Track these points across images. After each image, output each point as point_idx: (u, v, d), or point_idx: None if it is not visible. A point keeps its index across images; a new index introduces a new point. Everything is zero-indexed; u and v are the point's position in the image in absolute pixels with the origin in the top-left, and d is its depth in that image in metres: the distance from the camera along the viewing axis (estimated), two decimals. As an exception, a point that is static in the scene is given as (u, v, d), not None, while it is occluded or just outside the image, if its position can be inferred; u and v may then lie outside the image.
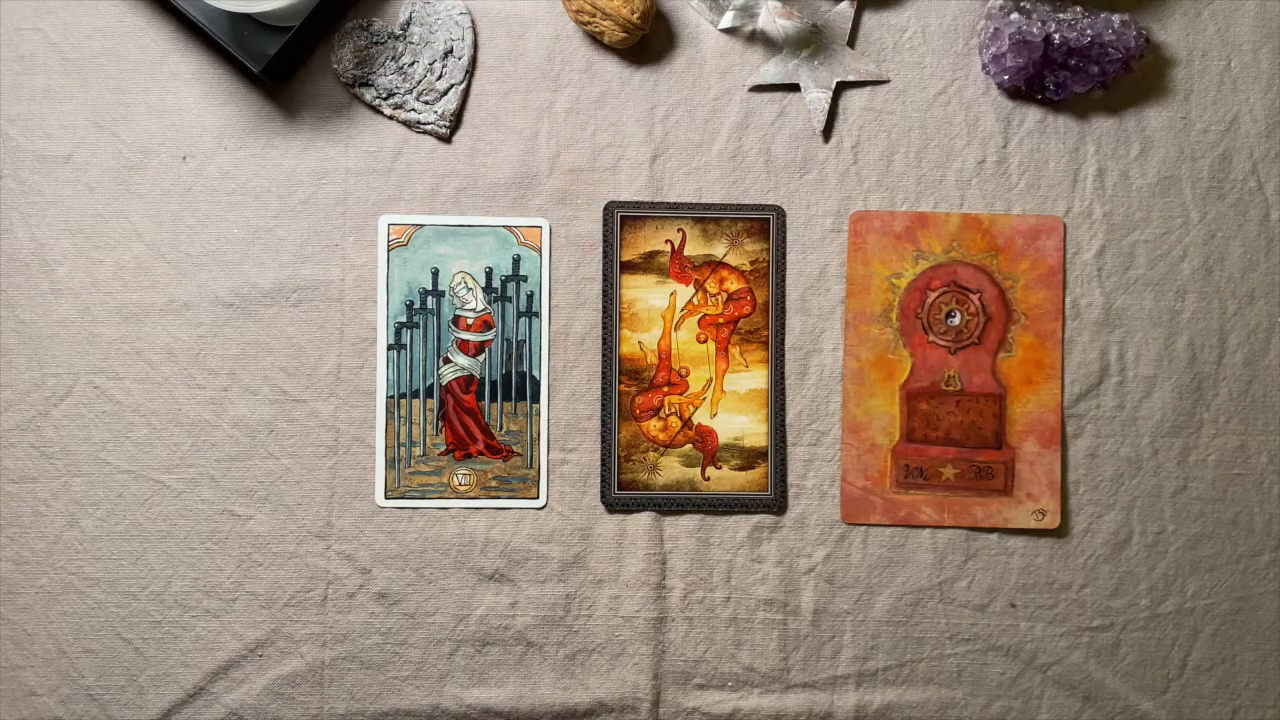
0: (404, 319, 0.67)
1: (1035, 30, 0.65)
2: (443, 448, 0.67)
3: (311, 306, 0.67)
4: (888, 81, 0.68)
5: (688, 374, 0.67)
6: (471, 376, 0.67)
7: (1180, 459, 0.67)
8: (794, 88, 0.68)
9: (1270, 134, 0.68)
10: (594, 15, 0.65)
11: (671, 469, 0.67)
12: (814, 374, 0.67)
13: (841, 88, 0.68)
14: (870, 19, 0.68)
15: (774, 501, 0.67)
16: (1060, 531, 0.67)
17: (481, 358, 0.67)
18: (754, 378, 0.67)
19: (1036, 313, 0.67)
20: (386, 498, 0.66)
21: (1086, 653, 0.67)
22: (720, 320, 0.67)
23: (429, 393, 0.67)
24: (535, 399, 0.67)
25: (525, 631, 0.66)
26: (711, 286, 0.67)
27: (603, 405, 0.67)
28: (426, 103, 0.66)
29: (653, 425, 0.67)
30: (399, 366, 0.67)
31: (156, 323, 0.67)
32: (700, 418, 0.67)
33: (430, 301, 0.67)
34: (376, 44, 0.66)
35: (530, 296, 0.67)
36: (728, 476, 0.67)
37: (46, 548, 0.66)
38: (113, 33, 0.67)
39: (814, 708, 0.66)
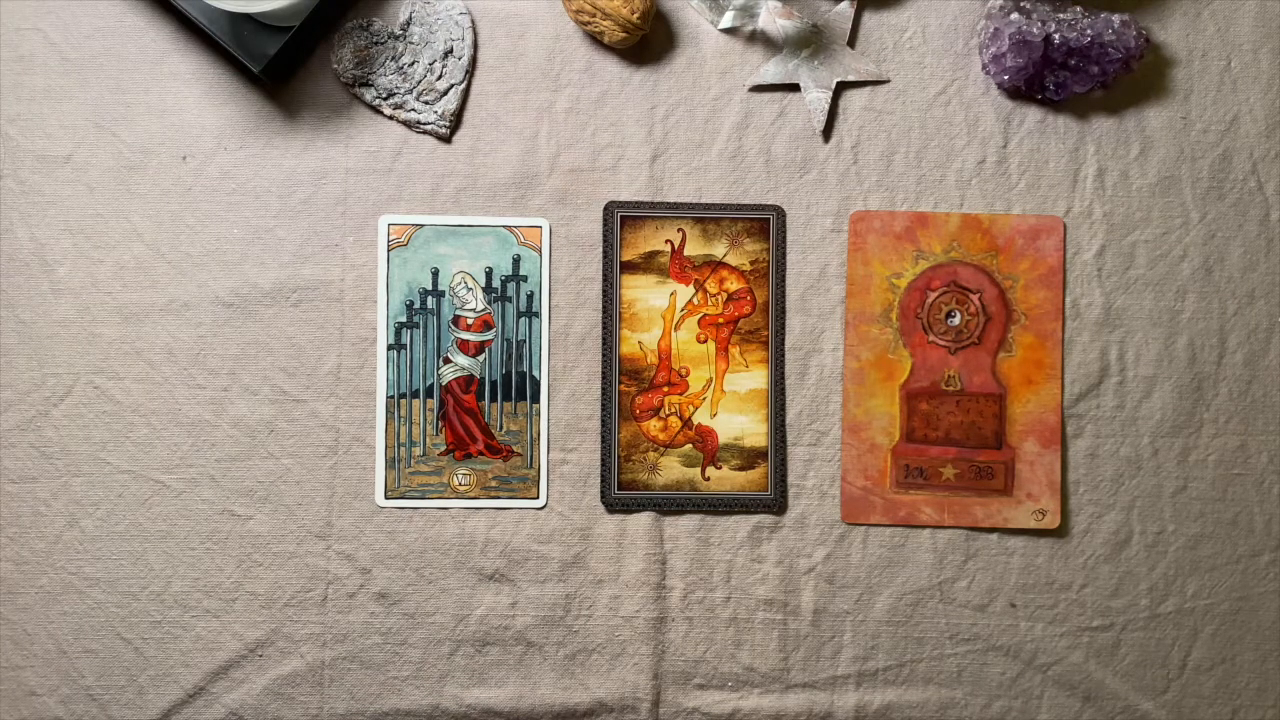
0: (404, 319, 0.67)
1: (1035, 30, 0.65)
2: (443, 448, 0.67)
3: (311, 306, 0.67)
4: (888, 81, 0.68)
5: (688, 374, 0.67)
6: (471, 376, 0.67)
7: (1180, 459, 0.67)
8: (794, 88, 0.68)
9: (1270, 134, 0.68)
10: (594, 15, 0.65)
11: (671, 469, 0.67)
12: (814, 374, 0.67)
13: (841, 88, 0.68)
14: (870, 19, 0.68)
15: (774, 501, 0.67)
16: (1060, 531, 0.67)
17: (481, 358, 0.67)
18: (754, 378, 0.67)
19: (1036, 313, 0.67)
20: (386, 498, 0.66)
21: (1086, 653, 0.67)
22: (720, 320, 0.67)
23: (429, 393, 0.67)
24: (535, 399, 0.67)
25: (525, 631, 0.66)
26: (711, 286, 0.67)
27: (603, 405, 0.67)
28: (426, 103, 0.66)
29: (653, 425, 0.67)
30: (399, 366, 0.67)
31: (156, 323, 0.67)
32: (700, 418, 0.67)
33: (430, 301, 0.67)
34: (376, 44, 0.66)
35: (530, 296, 0.67)
36: (728, 476, 0.67)
37: (46, 548, 0.66)
38: (113, 33, 0.67)
39: (814, 708, 0.66)
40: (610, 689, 0.66)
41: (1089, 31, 0.65)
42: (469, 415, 0.67)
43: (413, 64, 0.66)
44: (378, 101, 0.67)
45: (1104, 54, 0.65)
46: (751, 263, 0.67)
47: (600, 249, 0.67)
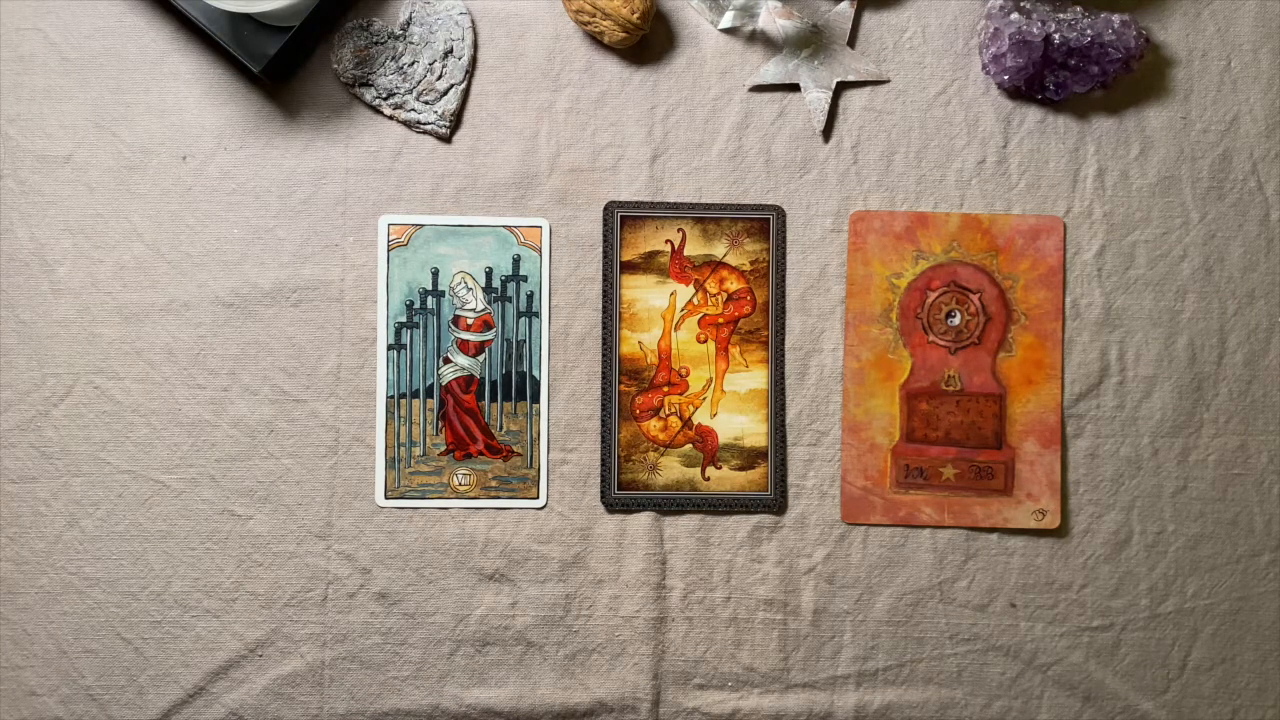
0: (404, 319, 0.67)
1: (1035, 30, 0.65)
2: (443, 448, 0.67)
3: (311, 306, 0.67)
4: (888, 81, 0.68)
5: (688, 374, 0.67)
6: (471, 376, 0.67)
7: (1180, 459, 0.67)
8: (794, 88, 0.68)
9: (1270, 134, 0.68)
10: (594, 15, 0.65)
11: (671, 469, 0.67)
12: (814, 374, 0.67)
13: (841, 88, 0.68)
14: (870, 19, 0.68)
15: (774, 501, 0.67)
16: (1060, 531, 0.67)
17: (481, 358, 0.67)
18: (754, 378, 0.67)
19: (1036, 313, 0.67)
20: (386, 498, 0.66)
21: (1086, 653, 0.67)
22: (720, 320, 0.67)
23: (429, 393, 0.67)
24: (535, 399, 0.67)
25: (525, 631, 0.66)
26: (711, 286, 0.67)
27: (603, 405, 0.67)
28: (426, 103, 0.66)
29: (653, 425, 0.67)
30: (399, 366, 0.67)
31: (156, 323, 0.67)
32: (700, 418, 0.67)
33: (430, 301, 0.67)
34: (376, 44, 0.66)
35: (530, 296, 0.67)
36: (728, 476, 0.67)
37: (46, 548, 0.66)
38: (113, 33, 0.67)
39: (814, 708, 0.66)
40: (610, 689, 0.66)
41: (1089, 31, 0.65)
42: (469, 415, 0.67)
43: (413, 64, 0.66)
44: (378, 101, 0.67)
45: (1104, 54, 0.65)
46: (751, 263, 0.67)
47: (600, 249, 0.67)
